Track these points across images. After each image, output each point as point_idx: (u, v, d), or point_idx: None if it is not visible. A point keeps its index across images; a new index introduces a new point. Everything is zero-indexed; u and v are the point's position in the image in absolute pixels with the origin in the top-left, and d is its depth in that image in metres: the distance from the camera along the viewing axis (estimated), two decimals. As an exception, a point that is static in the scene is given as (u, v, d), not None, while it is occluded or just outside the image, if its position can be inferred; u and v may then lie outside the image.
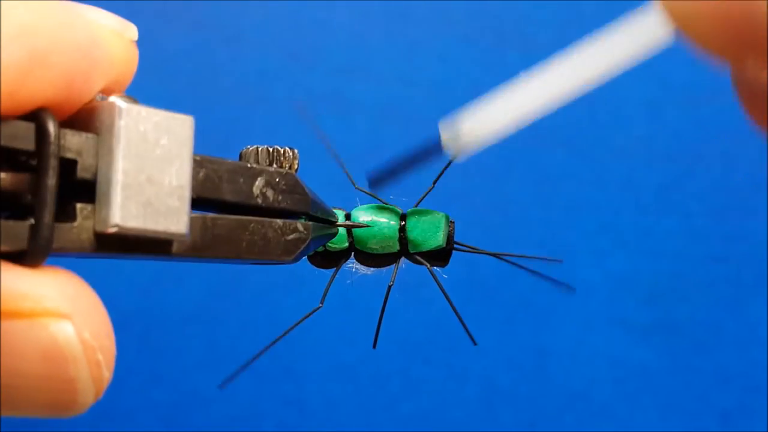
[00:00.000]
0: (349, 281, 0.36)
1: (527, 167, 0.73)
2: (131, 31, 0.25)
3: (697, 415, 0.71)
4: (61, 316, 0.21)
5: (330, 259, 0.36)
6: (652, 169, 0.74)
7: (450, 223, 0.36)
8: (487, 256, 0.38)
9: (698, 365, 0.72)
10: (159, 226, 0.23)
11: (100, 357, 0.22)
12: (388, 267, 0.36)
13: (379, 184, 0.32)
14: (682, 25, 0.21)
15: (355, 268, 0.36)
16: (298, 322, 0.35)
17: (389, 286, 0.35)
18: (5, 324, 0.20)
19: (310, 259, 0.36)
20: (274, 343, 0.36)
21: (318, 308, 0.35)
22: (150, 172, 0.23)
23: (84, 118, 0.23)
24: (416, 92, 0.73)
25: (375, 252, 0.36)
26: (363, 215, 0.36)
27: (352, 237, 0.35)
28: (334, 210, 0.32)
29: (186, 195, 0.23)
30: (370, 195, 0.37)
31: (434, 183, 0.36)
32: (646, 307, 0.72)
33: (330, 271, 0.36)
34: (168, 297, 0.71)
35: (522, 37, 0.74)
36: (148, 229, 0.23)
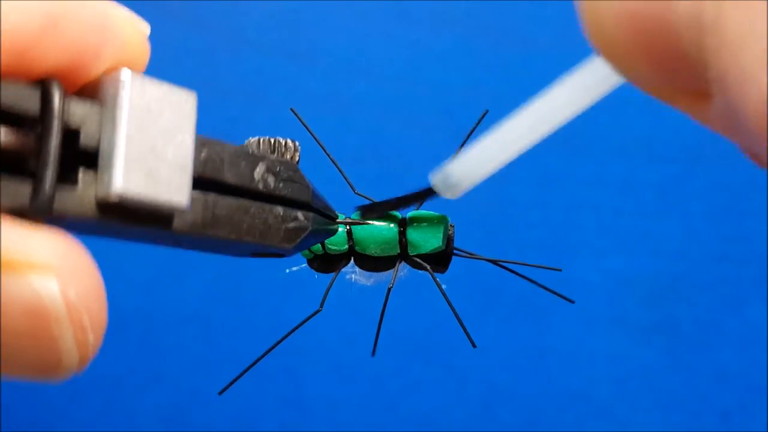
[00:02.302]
0: (348, 277, 0.36)
1: (527, 168, 0.73)
2: (143, 25, 0.25)
3: (697, 414, 0.71)
4: (47, 270, 0.21)
5: (329, 263, 0.36)
6: (652, 169, 0.73)
7: (450, 226, 0.36)
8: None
9: (698, 365, 0.72)
10: (160, 196, 0.23)
11: (86, 319, 0.21)
12: (387, 273, 0.36)
13: (368, 214, 0.33)
14: (594, 36, 0.19)
15: (355, 279, 0.36)
16: (297, 326, 0.35)
17: (389, 289, 0.35)
18: None
19: (309, 263, 0.35)
20: (272, 348, 0.36)
21: (317, 311, 0.35)
22: (153, 142, 0.23)
23: (89, 92, 0.23)
24: (416, 92, 0.73)
25: (375, 255, 0.36)
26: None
27: (352, 240, 0.35)
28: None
29: (188, 167, 0.23)
30: (369, 200, 0.37)
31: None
32: (646, 307, 0.72)
33: (330, 275, 0.36)
34: (168, 297, 0.71)
35: (522, 37, 0.74)
36: (150, 198, 0.22)
